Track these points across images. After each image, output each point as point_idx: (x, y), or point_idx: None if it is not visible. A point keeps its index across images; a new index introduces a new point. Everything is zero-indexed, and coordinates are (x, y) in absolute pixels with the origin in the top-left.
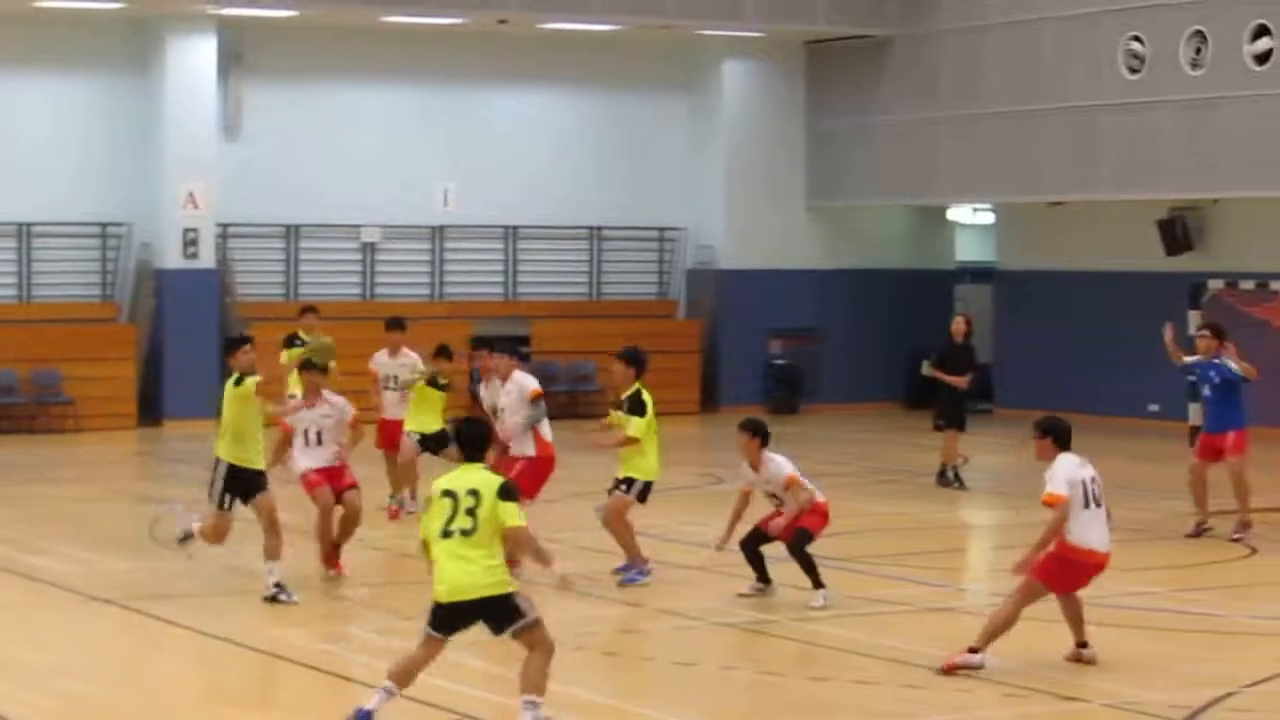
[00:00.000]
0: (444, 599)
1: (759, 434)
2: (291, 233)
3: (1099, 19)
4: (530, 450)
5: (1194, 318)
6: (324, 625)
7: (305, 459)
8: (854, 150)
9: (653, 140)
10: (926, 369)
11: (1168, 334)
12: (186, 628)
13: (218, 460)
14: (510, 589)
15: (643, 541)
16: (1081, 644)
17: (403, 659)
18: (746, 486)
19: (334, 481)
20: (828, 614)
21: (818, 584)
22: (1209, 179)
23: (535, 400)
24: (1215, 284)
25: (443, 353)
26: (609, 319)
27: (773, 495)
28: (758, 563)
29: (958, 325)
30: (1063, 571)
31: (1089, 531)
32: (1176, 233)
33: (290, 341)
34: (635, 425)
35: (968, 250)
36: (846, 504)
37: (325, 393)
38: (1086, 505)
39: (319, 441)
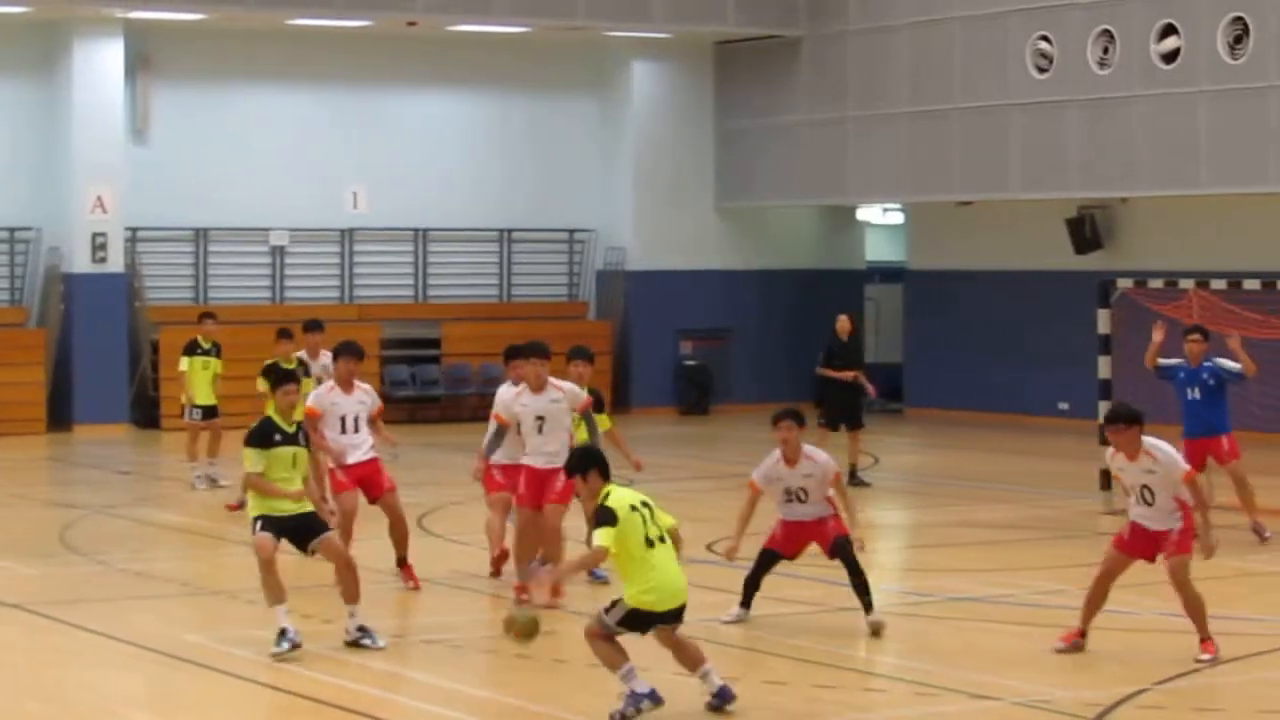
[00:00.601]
0: (677, 602)
1: (803, 422)
2: (200, 236)
3: (1006, 19)
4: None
5: (1103, 316)
6: (231, 629)
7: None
8: (763, 151)
9: (562, 142)
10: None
11: (1157, 335)
12: (95, 632)
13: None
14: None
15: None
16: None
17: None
18: (759, 485)
19: (370, 486)
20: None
21: (869, 605)
22: (1117, 178)
23: (586, 410)
24: (1124, 282)
25: (284, 334)
26: (519, 321)
27: (792, 495)
28: (755, 588)
29: (842, 323)
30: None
31: None
32: (1085, 231)
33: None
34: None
35: (877, 250)
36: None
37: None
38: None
39: (355, 429)
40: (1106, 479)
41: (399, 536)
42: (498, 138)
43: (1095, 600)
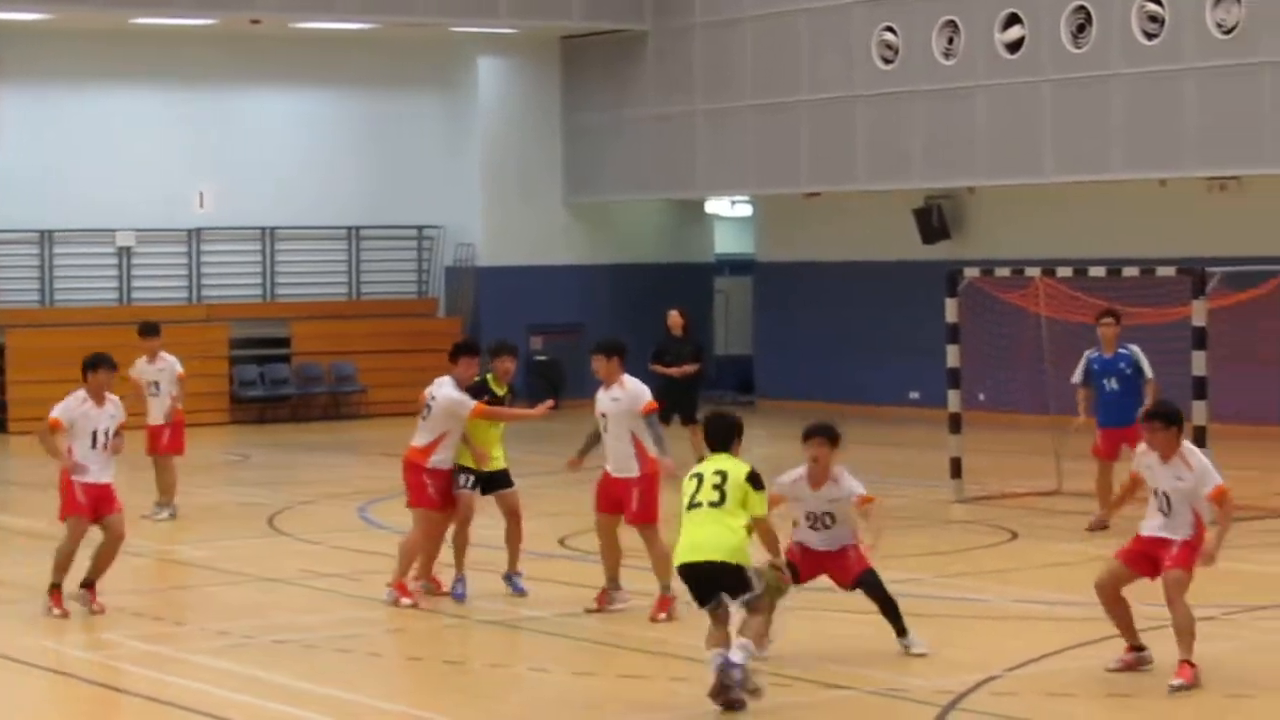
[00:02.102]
0: (684, 558)
1: (837, 441)
2: (45, 238)
3: (851, 10)
4: (636, 470)
5: (951, 306)
6: (90, 634)
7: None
8: (611, 145)
9: (409, 139)
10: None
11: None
12: None
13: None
14: (745, 562)
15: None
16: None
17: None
18: (781, 500)
19: (101, 506)
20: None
21: (903, 629)
22: (963, 167)
23: (649, 414)
24: (971, 272)
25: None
26: (369, 319)
27: (816, 520)
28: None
29: (674, 319)
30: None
31: None
32: (932, 221)
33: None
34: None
35: (726, 243)
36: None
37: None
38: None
39: (105, 444)
40: (957, 467)
41: (105, 560)
42: (344, 135)
43: (1117, 613)
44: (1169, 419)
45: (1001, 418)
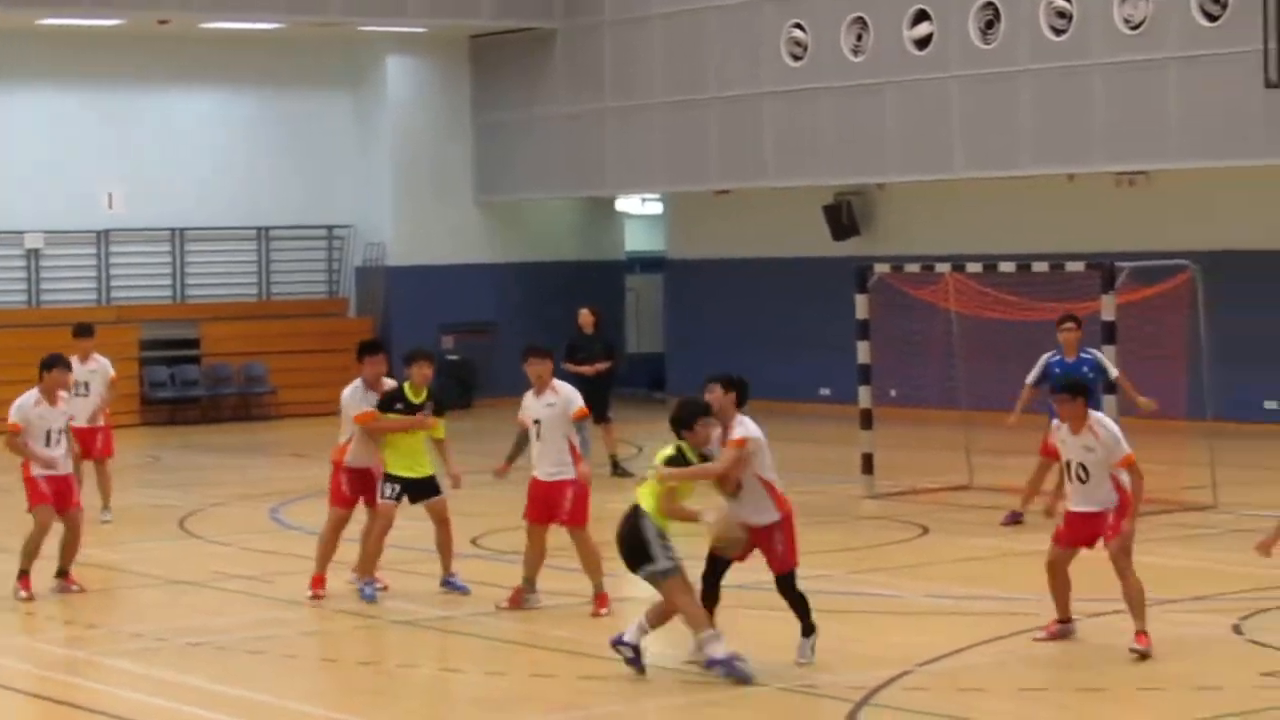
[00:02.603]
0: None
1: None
2: None
3: (760, 7)
4: (572, 473)
5: (861, 302)
6: (3, 638)
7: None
8: (522, 144)
9: (319, 138)
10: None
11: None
12: None
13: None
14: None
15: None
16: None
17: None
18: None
19: (61, 500)
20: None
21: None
22: (873, 164)
23: (581, 419)
24: (881, 268)
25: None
26: (280, 319)
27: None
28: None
29: (585, 316)
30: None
31: None
32: (843, 218)
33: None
34: None
35: (637, 240)
36: (521, 498)
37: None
38: None
39: (58, 442)
40: (869, 463)
41: (71, 549)
42: (254, 135)
43: (1058, 588)
44: (1074, 390)
45: (912, 413)
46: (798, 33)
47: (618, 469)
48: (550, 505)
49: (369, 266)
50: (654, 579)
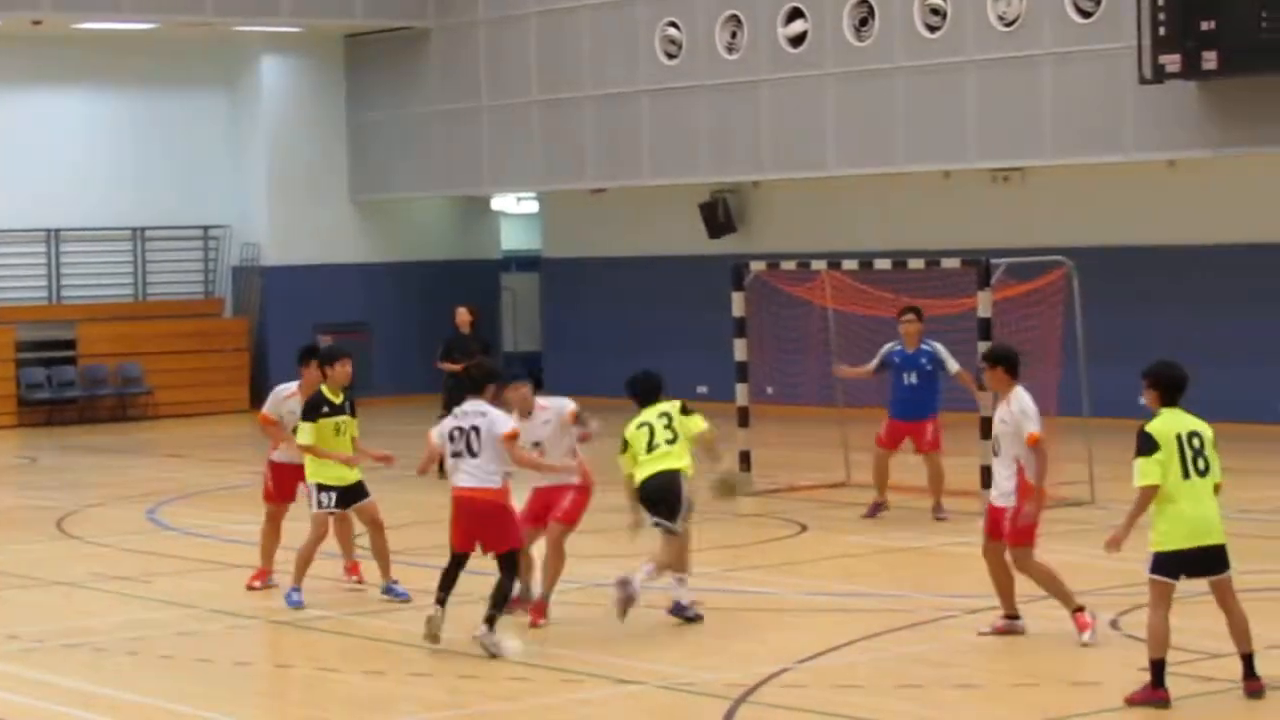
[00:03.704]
0: (647, 474)
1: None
2: None
3: (634, 6)
4: (576, 477)
5: (737, 299)
6: None
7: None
8: (397, 143)
9: (193, 138)
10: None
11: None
12: None
13: None
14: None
15: (196, 542)
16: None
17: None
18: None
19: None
20: (379, 608)
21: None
22: (748, 162)
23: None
24: (758, 265)
25: None
26: (155, 320)
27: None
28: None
29: (462, 316)
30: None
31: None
32: (718, 215)
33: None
34: None
35: (513, 239)
36: (395, 496)
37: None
38: None
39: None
40: (746, 460)
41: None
42: (128, 136)
43: (996, 580)
44: (995, 359)
45: (789, 410)
46: (672, 31)
47: None
48: (549, 507)
49: (245, 266)
50: (667, 532)
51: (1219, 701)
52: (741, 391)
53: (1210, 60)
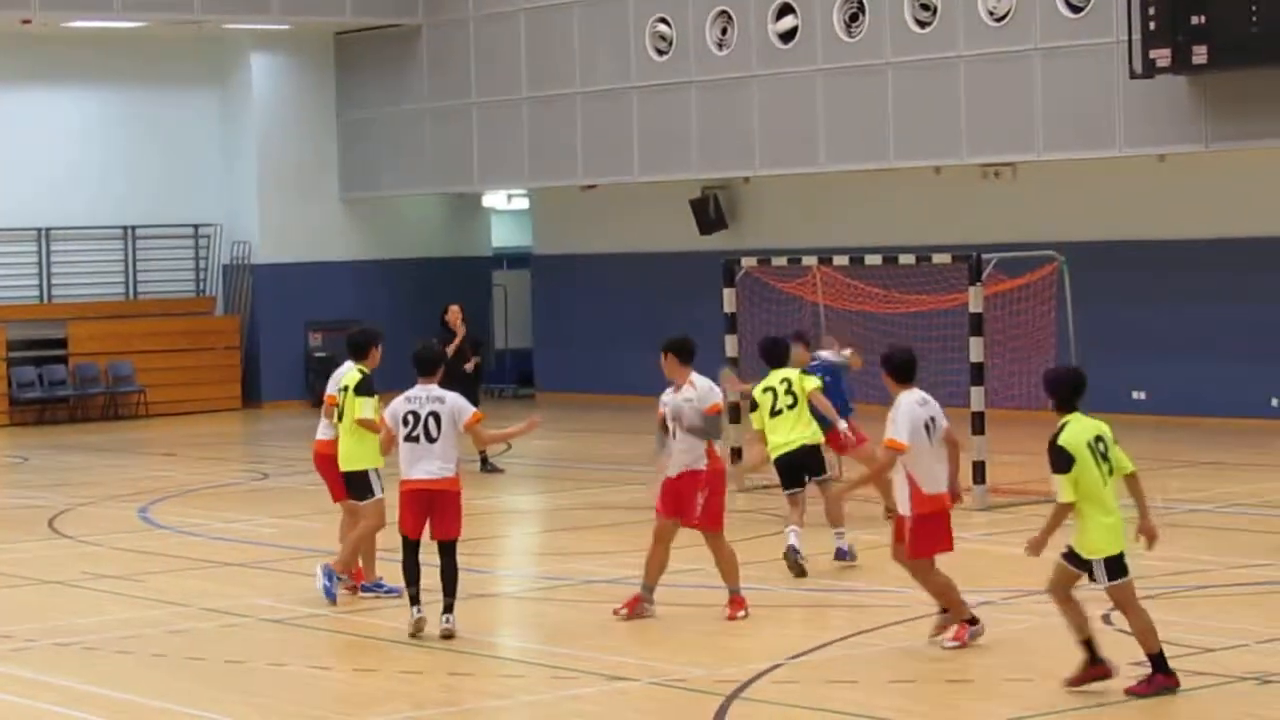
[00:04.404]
0: (782, 450)
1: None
2: None
3: (624, 2)
4: (704, 464)
5: (728, 296)
6: None
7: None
8: (387, 141)
9: (184, 137)
10: None
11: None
12: None
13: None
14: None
15: (188, 541)
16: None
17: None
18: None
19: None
20: (374, 606)
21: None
22: (738, 158)
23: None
24: (749, 261)
25: None
26: (147, 318)
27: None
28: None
29: (453, 313)
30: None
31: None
32: (709, 212)
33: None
34: None
35: (504, 236)
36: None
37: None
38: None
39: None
40: (737, 456)
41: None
42: (119, 134)
43: (937, 590)
44: (882, 363)
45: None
46: (662, 27)
47: (486, 465)
48: (680, 497)
49: (235, 264)
50: (823, 484)
51: (1215, 695)
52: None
53: (1200, 54)
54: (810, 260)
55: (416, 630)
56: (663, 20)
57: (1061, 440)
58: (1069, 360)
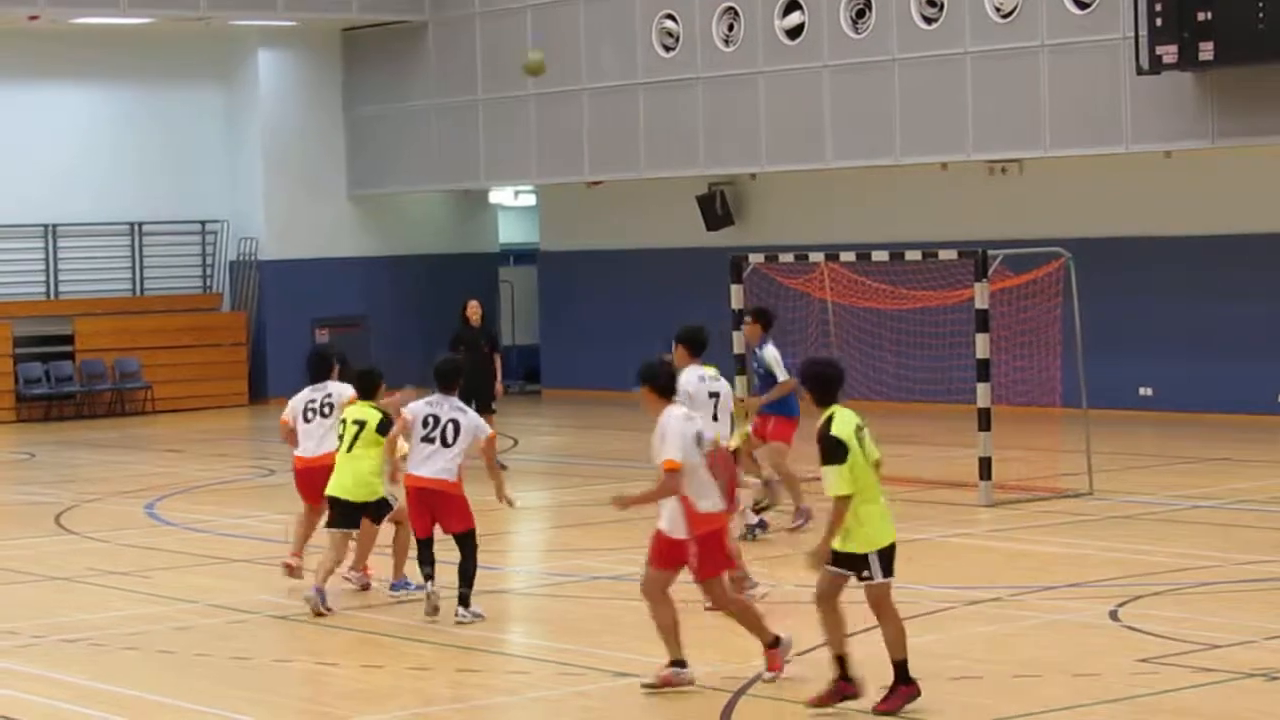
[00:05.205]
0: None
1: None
2: None
3: None
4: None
5: (736, 292)
6: None
7: None
8: (394, 137)
9: (191, 133)
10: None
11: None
12: None
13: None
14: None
15: (194, 537)
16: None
17: None
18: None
19: None
20: (379, 602)
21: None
22: (745, 154)
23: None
24: (756, 258)
25: None
26: (153, 314)
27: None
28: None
29: (472, 309)
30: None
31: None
32: (716, 208)
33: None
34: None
35: (511, 233)
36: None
37: None
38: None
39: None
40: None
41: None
42: (126, 131)
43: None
44: (641, 377)
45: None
46: (669, 23)
47: None
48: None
49: (242, 261)
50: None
51: (1222, 692)
52: (741, 384)
53: (1207, 51)
54: (817, 256)
55: (431, 610)
56: (669, 16)
57: (834, 431)
58: (1075, 357)
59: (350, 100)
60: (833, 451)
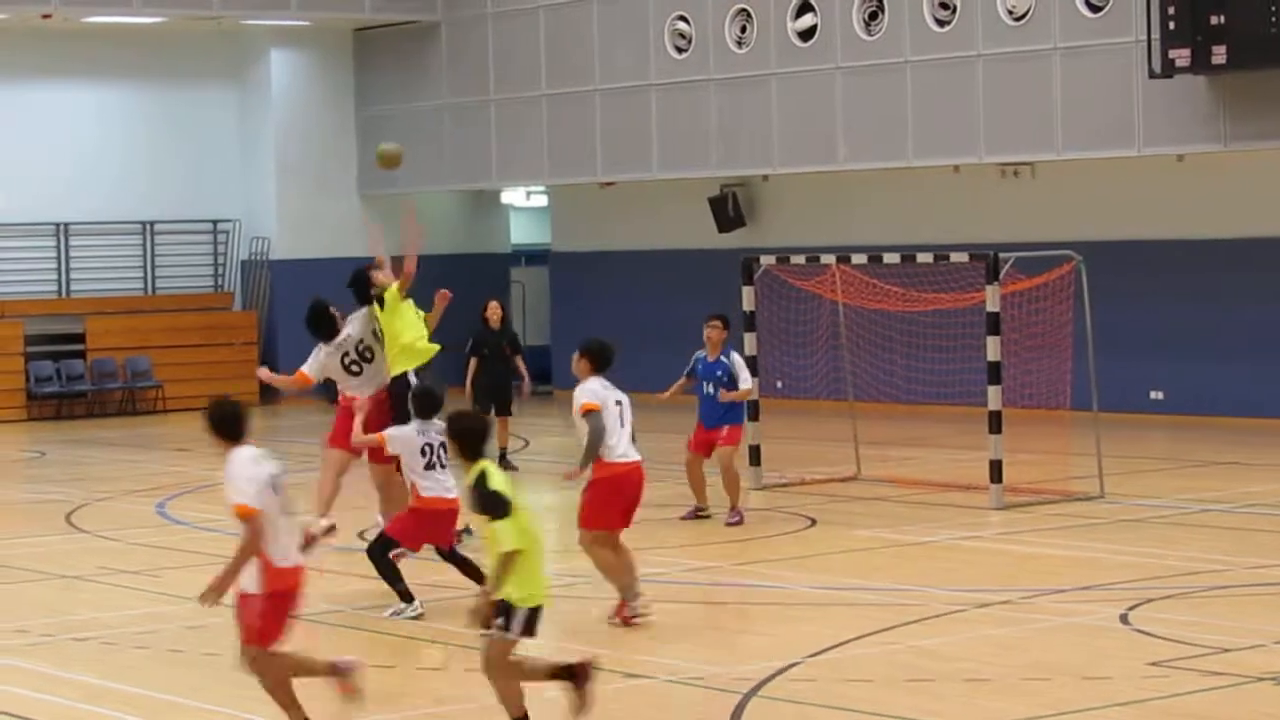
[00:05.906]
0: None
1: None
2: None
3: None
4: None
5: (747, 294)
6: None
7: None
8: (406, 137)
9: (203, 132)
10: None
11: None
12: None
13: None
14: None
15: (205, 536)
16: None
17: None
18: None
19: None
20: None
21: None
22: (757, 156)
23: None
24: (767, 259)
25: None
26: (165, 313)
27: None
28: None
29: (493, 310)
30: None
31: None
32: (728, 209)
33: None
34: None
35: (522, 233)
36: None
37: None
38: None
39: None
40: (756, 455)
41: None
42: (138, 130)
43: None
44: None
45: (799, 404)
46: (682, 25)
47: (503, 461)
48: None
49: (254, 260)
50: None
51: (1233, 696)
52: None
53: (1220, 54)
54: (829, 258)
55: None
56: (682, 18)
57: (494, 486)
58: (1086, 359)
59: (362, 100)
60: (498, 507)
